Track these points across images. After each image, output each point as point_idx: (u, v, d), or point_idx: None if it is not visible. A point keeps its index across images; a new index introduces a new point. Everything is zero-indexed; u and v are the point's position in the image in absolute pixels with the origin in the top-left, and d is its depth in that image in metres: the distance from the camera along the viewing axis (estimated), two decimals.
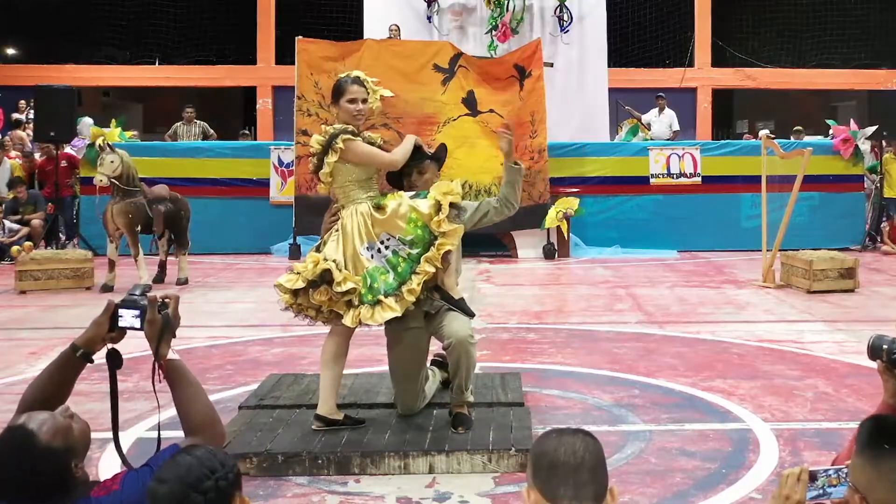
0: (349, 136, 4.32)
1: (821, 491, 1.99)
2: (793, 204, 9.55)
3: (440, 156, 4.69)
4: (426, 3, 13.95)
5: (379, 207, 4.31)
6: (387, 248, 4.25)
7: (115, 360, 2.41)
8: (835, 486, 1.99)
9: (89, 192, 11.14)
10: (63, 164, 13.00)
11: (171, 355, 2.32)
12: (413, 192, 4.41)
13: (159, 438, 2.36)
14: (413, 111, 11.91)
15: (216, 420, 2.35)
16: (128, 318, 2.34)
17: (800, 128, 15.98)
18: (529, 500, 1.79)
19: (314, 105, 11.92)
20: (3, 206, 12.63)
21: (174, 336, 2.33)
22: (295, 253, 11.65)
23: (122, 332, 2.38)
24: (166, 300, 2.36)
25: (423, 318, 4.40)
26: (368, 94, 4.46)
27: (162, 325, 2.31)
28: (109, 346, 2.40)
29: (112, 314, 2.36)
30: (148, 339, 2.33)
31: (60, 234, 13.06)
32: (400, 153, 4.46)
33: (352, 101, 4.41)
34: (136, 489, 2.05)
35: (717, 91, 21.32)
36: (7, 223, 12.40)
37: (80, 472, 2.15)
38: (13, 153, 13.96)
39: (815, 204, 12.74)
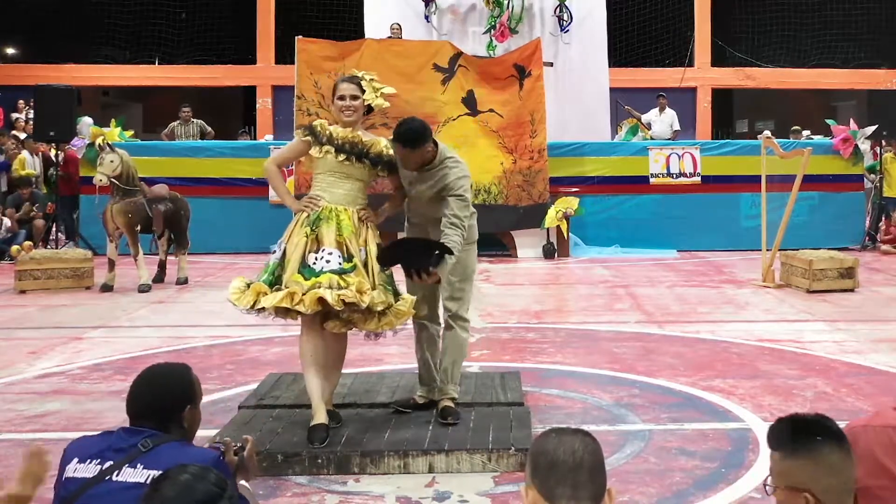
0: (300, 131, 4.59)
1: None
2: (792, 203, 9.56)
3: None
4: (424, 3, 13.94)
5: (320, 221, 4.31)
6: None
7: None
8: None
9: (89, 191, 11.14)
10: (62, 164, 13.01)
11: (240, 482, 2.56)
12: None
13: None
14: (413, 111, 11.82)
15: None
16: None
17: (797, 127, 15.98)
18: (527, 500, 1.79)
19: (314, 105, 11.92)
20: (6, 201, 12.68)
21: (248, 479, 2.59)
22: None
23: None
24: (244, 443, 2.61)
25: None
26: (364, 91, 4.48)
27: (237, 465, 2.55)
28: None
29: None
30: None
31: (60, 234, 13.03)
32: (270, 166, 4.65)
33: (340, 97, 4.48)
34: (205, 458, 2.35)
35: (716, 91, 21.32)
36: (6, 221, 12.41)
37: (188, 417, 2.54)
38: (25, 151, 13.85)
39: (815, 204, 12.75)
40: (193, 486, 1.91)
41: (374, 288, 4.26)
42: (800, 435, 1.99)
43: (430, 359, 4.74)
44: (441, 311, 4.76)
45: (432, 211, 4.52)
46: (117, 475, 2.34)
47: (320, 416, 4.25)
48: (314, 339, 4.30)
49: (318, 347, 4.30)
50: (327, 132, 4.45)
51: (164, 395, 2.52)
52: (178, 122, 14.39)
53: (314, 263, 4.22)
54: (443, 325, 4.71)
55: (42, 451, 2.44)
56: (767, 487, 2.03)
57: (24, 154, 13.61)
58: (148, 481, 2.25)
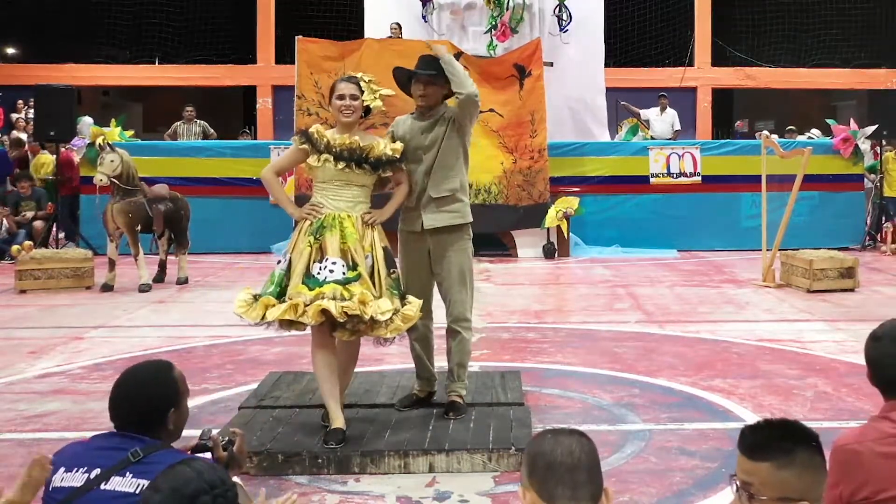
0: (296, 138, 4.56)
1: None
2: (792, 203, 9.56)
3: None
4: (422, 3, 13.92)
5: (323, 229, 4.28)
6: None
7: None
8: None
9: (89, 191, 11.14)
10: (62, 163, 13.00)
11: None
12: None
13: None
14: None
15: None
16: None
17: (792, 127, 15.98)
18: (525, 501, 1.79)
19: (314, 105, 11.91)
20: (6, 200, 12.66)
21: (240, 472, 2.57)
22: None
23: None
24: (233, 437, 2.60)
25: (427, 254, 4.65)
26: (362, 91, 4.46)
27: (227, 460, 2.58)
28: None
29: None
30: None
31: (60, 234, 13.01)
32: (268, 174, 4.65)
33: (339, 97, 4.45)
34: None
35: (716, 90, 21.30)
36: (5, 223, 12.40)
37: (174, 419, 2.49)
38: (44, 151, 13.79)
39: (815, 203, 12.73)
40: (187, 482, 1.90)
41: (381, 294, 4.23)
42: (792, 443, 1.91)
43: (422, 354, 4.78)
44: (435, 310, 4.79)
45: (432, 181, 4.60)
46: (105, 484, 2.29)
47: (338, 422, 4.24)
48: (327, 354, 4.27)
49: (332, 361, 4.28)
50: (324, 139, 4.37)
51: (147, 402, 2.45)
52: (181, 121, 14.40)
53: (318, 273, 4.18)
54: (446, 331, 4.73)
55: (45, 460, 2.42)
56: (753, 500, 1.88)
57: (49, 155, 13.50)
58: (138, 491, 2.22)
